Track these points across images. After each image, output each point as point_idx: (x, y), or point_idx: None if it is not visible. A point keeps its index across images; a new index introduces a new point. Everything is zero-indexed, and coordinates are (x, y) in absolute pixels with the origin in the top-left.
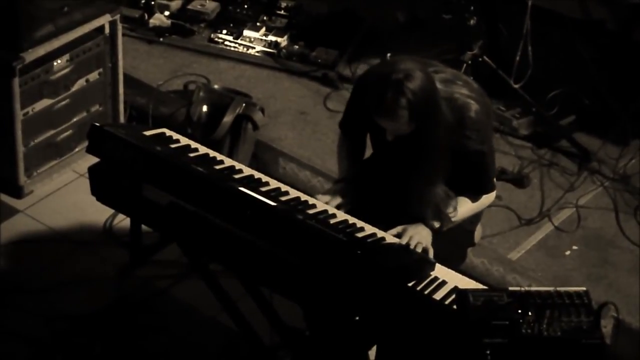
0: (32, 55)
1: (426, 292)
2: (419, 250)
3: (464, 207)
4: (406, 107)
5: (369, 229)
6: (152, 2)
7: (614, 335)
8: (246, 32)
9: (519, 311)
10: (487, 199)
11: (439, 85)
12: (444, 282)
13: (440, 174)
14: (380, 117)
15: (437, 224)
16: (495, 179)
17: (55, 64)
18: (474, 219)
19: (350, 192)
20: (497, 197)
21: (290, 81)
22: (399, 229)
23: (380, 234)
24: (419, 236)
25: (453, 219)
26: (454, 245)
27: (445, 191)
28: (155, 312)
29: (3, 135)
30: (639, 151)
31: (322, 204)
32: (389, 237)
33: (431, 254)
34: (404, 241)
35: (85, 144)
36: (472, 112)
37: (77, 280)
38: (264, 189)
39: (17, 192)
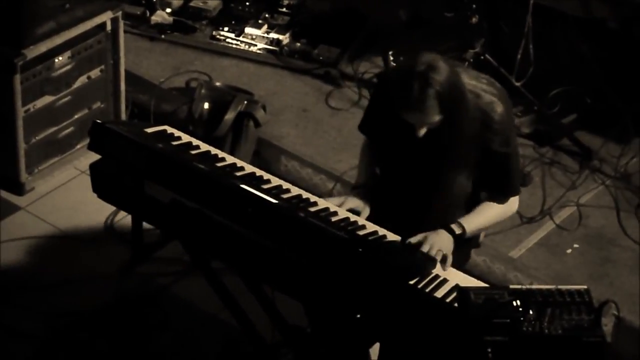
0: (33, 52)
1: (427, 290)
2: (439, 258)
3: (489, 212)
4: (435, 97)
5: (371, 227)
6: None
7: (615, 333)
8: (248, 30)
9: (520, 309)
10: (511, 206)
11: (465, 80)
12: (445, 280)
13: (466, 163)
14: (408, 111)
15: (458, 230)
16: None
17: (56, 60)
18: None
19: (368, 198)
20: None
21: (292, 79)
22: (420, 236)
23: (381, 231)
24: (440, 243)
25: (477, 224)
26: (459, 246)
27: (468, 186)
28: (156, 310)
29: (4, 132)
30: None
31: (323, 201)
32: (390, 235)
33: (450, 262)
34: (425, 249)
35: (87, 141)
36: (497, 113)
37: (78, 277)
38: (265, 186)
39: (18, 189)
